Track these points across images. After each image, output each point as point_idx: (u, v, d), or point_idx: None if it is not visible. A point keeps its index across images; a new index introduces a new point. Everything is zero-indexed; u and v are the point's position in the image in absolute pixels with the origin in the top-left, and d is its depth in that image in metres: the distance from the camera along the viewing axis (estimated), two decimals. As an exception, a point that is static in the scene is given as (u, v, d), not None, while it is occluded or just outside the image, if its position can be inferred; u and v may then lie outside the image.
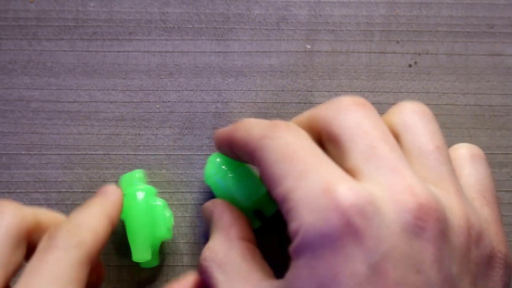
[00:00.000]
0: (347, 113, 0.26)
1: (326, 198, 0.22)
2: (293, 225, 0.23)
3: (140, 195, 0.32)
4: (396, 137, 0.26)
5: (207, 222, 0.32)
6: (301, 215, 0.22)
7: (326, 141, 0.26)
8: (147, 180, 0.34)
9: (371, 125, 0.25)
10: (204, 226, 0.34)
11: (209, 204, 0.31)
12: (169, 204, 0.35)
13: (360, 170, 0.24)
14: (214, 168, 0.32)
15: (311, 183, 0.22)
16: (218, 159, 0.32)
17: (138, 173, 0.33)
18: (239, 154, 0.28)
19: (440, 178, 0.25)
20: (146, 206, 0.32)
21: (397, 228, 0.22)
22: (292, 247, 0.23)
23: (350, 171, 0.24)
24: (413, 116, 0.27)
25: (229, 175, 0.32)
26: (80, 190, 0.35)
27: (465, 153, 0.29)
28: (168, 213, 0.32)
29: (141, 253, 0.31)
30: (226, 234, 0.28)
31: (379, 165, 0.24)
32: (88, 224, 0.27)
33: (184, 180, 0.35)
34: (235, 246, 0.27)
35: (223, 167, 0.32)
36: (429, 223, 0.22)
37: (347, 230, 0.21)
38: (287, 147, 0.24)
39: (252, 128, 0.27)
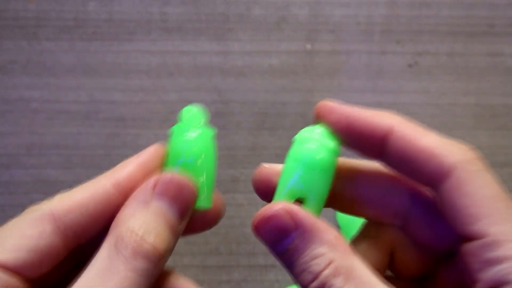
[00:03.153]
0: (481, 171, 0.25)
1: None
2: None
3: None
4: None
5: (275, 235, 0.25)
6: None
7: (452, 186, 0.24)
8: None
9: (501, 193, 0.25)
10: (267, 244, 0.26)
11: (281, 210, 0.24)
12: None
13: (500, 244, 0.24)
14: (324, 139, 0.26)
15: None
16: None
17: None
18: (396, 156, 0.24)
19: None
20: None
21: None
22: None
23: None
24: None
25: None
26: (80, 190, 0.35)
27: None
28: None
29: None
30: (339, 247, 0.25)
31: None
32: (153, 226, 0.24)
33: (184, 180, 0.35)
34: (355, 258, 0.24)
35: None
36: None
37: None
38: (497, 185, 0.23)
39: (442, 140, 0.24)
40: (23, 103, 0.36)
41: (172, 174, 0.25)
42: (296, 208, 0.24)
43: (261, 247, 0.29)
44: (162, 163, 0.26)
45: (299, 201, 0.25)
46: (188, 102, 0.36)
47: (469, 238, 0.22)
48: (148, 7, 0.37)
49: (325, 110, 0.26)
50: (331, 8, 0.37)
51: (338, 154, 0.26)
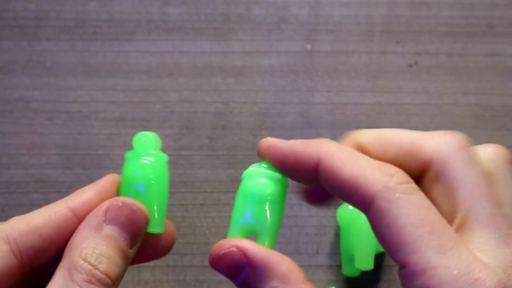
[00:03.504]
0: (466, 159, 0.25)
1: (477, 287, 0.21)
2: None
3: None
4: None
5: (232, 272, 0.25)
6: None
7: (431, 179, 0.25)
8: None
9: (486, 184, 0.24)
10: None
11: (233, 248, 0.25)
12: (169, 204, 0.35)
13: (470, 230, 0.23)
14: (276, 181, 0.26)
15: (455, 264, 0.21)
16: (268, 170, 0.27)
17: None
18: (327, 185, 0.24)
19: None
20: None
21: None
22: None
23: (452, 220, 0.24)
24: (503, 166, 0.27)
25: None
26: (80, 190, 0.35)
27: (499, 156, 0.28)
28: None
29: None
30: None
31: (495, 233, 0.23)
32: (105, 251, 0.25)
33: (184, 180, 0.35)
34: None
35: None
36: None
37: None
38: (423, 209, 0.22)
39: (366, 168, 0.23)
40: (23, 103, 0.36)
41: (123, 199, 0.26)
42: (247, 244, 0.25)
43: None
44: (118, 190, 0.27)
45: (253, 235, 0.26)
46: (188, 102, 0.36)
47: (399, 265, 0.22)
48: (148, 7, 0.37)
49: (263, 148, 0.26)
50: (331, 8, 0.37)
51: (286, 185, 0.26)
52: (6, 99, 0.36)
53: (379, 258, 0.34)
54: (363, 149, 0.26)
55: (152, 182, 0.27)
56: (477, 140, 0.37)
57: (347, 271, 0.34)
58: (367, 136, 0.26)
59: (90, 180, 0.35)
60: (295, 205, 0.35)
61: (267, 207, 0.26)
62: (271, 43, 0.37)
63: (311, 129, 0.36)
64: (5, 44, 0.36)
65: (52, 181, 0.35)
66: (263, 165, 0.27)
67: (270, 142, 0.26)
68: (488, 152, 0.27)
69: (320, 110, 0.36)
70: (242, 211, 0.26)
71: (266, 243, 0.26)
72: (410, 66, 0.37)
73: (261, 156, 0.27)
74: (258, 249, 0.25)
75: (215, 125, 0.36)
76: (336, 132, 0.33)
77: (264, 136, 0.36)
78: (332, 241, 0.35)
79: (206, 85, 0.36)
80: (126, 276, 0.35)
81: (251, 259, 0.25)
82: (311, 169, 0.25)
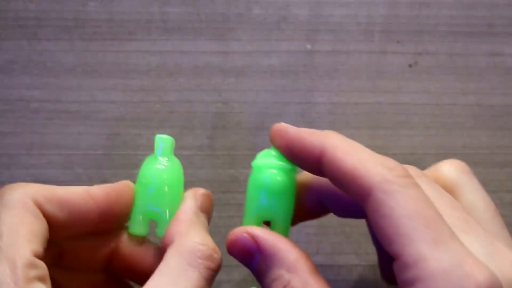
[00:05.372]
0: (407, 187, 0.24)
1: (468, 280, 0.21)
2: None
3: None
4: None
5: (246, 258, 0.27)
6: None
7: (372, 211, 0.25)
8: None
9: (449, 200, 0.25)
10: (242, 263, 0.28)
11: (245, 234, 0.26)
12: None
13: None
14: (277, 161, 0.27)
15: (447, 257, 0.21)
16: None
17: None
18: (329, 175, 0.25)
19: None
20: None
21: None
22: None
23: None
24: (464, 177, 0.28)
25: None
26: (80, 190, 0.35)
27: (458, 172, 0.30)
28: None
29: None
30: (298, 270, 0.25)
31: (476, 238, 0.24)
32: (211, 241, 0.26)
33: (184, 180, 0.35)
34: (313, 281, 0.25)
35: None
36: None
37: None
38: (419, 202, 0.23)
39: (368, 160, 0.24)
40: (23, 103, 0.36)
41: (204, 190, 0.28)
42: (259, 231, 0.26)
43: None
44: (132, 191, 0.28)
45: (267, 223, 0.27)
46: (188, 102, 0.36)
47: (393, 257, 0.22)
48: (148, 7, 0.37)
49: (274, 131, 0.27)
50: (331, 8, 0.37)
51: (295, 172, 0.27)
52: (6, 99, 0.36)
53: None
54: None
55: (169, 185, 0.28)
56: (477, 140, 0.37)
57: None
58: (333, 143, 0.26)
59: (90, 180, 0.35)
60: (295, 205, 0.35)
61: (278, 196, 0.27)
62: (271, 43, 0.37)
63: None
64: (5, 44, 0.36)
65: (52, 181, 0.35)
66: (272, 152, 0.27)
67: (280, 126, 0.27)
68: (445, 169, 0.28)
69: (320, 110, 0.36)
70: (255, 200, 0.27)
71: (280, 230, 0.27)
72: (410, 66, 0.37)
73: (272, 140, 0.28)
74: (268, 237, 0.26)
75: (215, 125, 0.36)
76: (336, 132, 0.33)
77: (264, 136, 0.36)
78: (332, 241, 0.35)
79: (206, 85, 0.36)
80: (126, 276, 0.35)
81: (261, 247, 0.25)
82: (315, 157, 0.25)
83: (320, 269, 0.35)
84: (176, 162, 0.29)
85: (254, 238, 0.26)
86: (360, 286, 0.35)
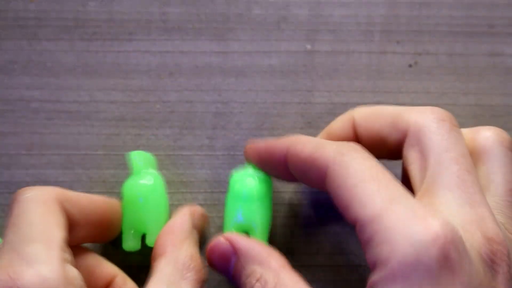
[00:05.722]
0: (441, 129, 0.26)
1: (423, 227, 0.21)
2: (381, 251, 0.21)
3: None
4: (474, 163, 0.27)
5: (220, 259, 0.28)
6: (395, 241, 0.21)
7: (407, 147, 0.26)
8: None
9: (460, 152, 0.25)
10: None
11: (222, 238, 0.28)
12: (169, 204, 0.35)
13: (435, 193, 0.23)
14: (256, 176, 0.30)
15: (403, 209, 0.22)
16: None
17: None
18: (294, 170, 0.27)
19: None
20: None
21: (480, 266, 0.22)
22: (380, 275, 0.22)
23: (423, 184, 0.24)
24: (498, 148, 0.28)
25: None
26: (80, 190, 0.35)
27: (494, 141, 0.28)
28: None
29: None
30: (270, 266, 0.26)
31: (461, 196, 0.23)
32: (198, 257, 0.28)
33: (184, 180, 0.35)
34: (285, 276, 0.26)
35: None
36: (502, 265, 0.22)
37: (445, 264, 0.21)
38: (372, 169, 0.23)
39: (323, 144, 0.26)
40: (23, 103, 0.36)
41: (198, 207, 0.32)
42: (235, 236, 0.28)
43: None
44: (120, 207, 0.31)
45: (246, 232, 0.29)
46: (188, 102, 0.36)
47: (353, 224, 0.23)
48: (148, 7, 0.37)
49: (246, 150, 0.31)
50: (331, 8, 0.37)
51: (270, 182, 0.30)
52: (6, 99, 0.36)
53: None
54: (354, 123, 0.29)
55: (155, 199, 0.31)
56: (477, 140, 0.37)
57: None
58: (359, 111, 0.30)
59: (90, 180, 0.35)
60: (295, 205, 0.35)
61: (256, 204, 0.28)
62: (271, 43, 0.37)
63: (311, 129, 0.36)
64: (5, 44, 0.36)
65: (52, 181, 0.35)
66: (248, 167, 0.30)
67: (250, 143, 0.31)
68: (486, 132, 0.29)
69: (320, 110, 0.36)
70: (234, 212, 0.29)
71: (260, 237, 0.29)
72: (410, 66, 0.37)
73: (246, 156, 0.31)
74: (243, 239, 0.27)
75: (215, 125, 0.36)
76: (336, 132, 0.33)
77: (264, 136, 0.36)
78: (332, 241, 0.35)
79: (206, 85, 0.36)
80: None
81: (236, 247, 0.27)
82: (282, 160, 0.27)
83: (320, 269, 0.35)
84: (156, 174, 0.31)
85: (230, 241, 0.27)
86: (360, 286, 0.35)
